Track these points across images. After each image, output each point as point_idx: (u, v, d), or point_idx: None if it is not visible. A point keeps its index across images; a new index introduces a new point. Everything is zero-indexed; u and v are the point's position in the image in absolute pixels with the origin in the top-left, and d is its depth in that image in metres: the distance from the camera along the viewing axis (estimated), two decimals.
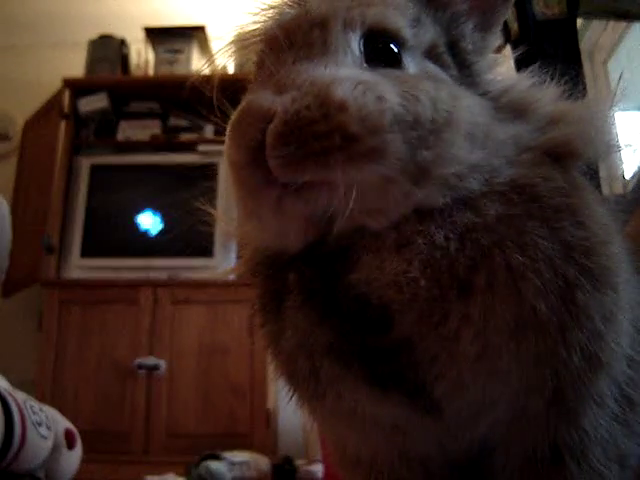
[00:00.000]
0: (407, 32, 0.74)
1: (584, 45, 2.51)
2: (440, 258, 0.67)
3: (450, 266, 0.67)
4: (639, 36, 3.65)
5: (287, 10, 0.78)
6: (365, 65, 0.71)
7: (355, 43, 0.72)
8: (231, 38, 0.83)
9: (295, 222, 0.69)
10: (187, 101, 4.31)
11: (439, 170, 0.67)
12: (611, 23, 3.66)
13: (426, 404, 0.71)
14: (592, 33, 3.91)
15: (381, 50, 0.73)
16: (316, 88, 0.63)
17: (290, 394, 0.81)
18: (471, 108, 0.71)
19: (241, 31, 0.82)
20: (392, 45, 0.73)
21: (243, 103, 0.67)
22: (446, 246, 0.67)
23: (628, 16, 2.12)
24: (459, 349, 0.68)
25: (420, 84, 0.69)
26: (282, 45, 0.73)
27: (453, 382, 0.69)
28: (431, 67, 0.75)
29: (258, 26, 0.80)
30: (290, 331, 0.74)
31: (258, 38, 0.79)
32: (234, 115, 0.67)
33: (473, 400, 0.71)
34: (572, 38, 2.05)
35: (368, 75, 0.67)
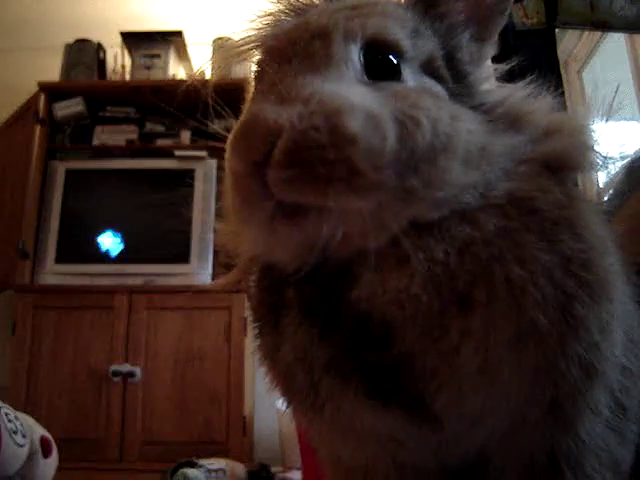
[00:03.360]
0: (406, 43, 0.75)
1: (559, 55, 2.54)
2: (440, 273, 0.67)
3: (450, 281, 0.67)
4: (613, 46, 3.70)
5: (284, 18, 0.78)
6: (365, 78, 0.72)
7: (355, 55, 0.72)
8: (228, 45, 0.83)
9: (286, 245, 0.69)
10: (164, 106, 4.32)
11: (428, 194, 0.67)
12: (586, 33, 3.71)
13: (425, 416, 0.71)
14: (567, 43, 3.96)
15: (381, 61, 0.73)
16: (325, 109, 0.63)
17: (286, 405, 0.81)
18: (469, 128, 0.72)
19: (238, 38, 0.82)
20: (392, 56, 0.73)
21: (247, 114, 0.66)
22: (446, 261, 0.67)
23: (605, 26, 2.15)
24: (460, 363, 0.68)
25: (421, 101, 0.69)
26: (283, 55, 0.73)
27: (453, 395, 0.70)
28: (428, 80, 0.76)
29: (255, 33, 0.80)
30: (288, 345, 0.74)
31: (256, 46, 0.79)
32: (238, 125, 0.66)
33: (472, 412, 0.72)
34: (551, 48, 2.07)
35: (373, 99, 0.67)
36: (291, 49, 0.73)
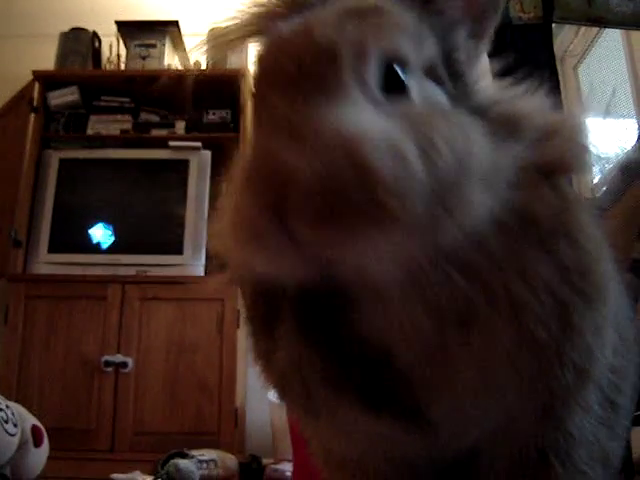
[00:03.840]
0: (412, 52, 0.71)
1: (555, 50, 2.53)
2: (440, 290, 0.66)
3: (450, 298, 0.66)
4: (610, 43, 3.70)
5: (276, 9, 0.77)
6: (376, 96, 0.67)
7: (368, 74, 0.67)
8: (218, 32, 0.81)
9: (291, 267, 0.63)
10: (159, 97, 4.31)
11: (454, 223, 0.62)
12: (582, 29, 3.71)
13: (420, 423, 0.72)
14: (563, 38, 3.96)
15: (390, 76, 0.68)
16: (345, 145, 0.58)
17: (281, 403, 0.82)
18: (480, 145, 0.67)
19: (226, 28, 0.81)
20: (399, 69, 0.69)
21: (258, 149, 0.63)
22: (446, 278, 0.66)
23: (602, 22, 2.16)
24: (457, 377, 0.69)
25: (434, 124, 0.64)
26: (288, 77, 0.66)
27: (451, 407, 0.71)
28: (430, 87, 0.72)
29: (243, 20, 0.79)
30: (283, 353, 0.73)
31: (250, 33, 0.78)
32: (250, 161, 0.63)
33: (467, 417, 0.72)
34: (547, 43, 2.07)
35: (391, 126, 0.62)
36: (296, 69, 0.66)
